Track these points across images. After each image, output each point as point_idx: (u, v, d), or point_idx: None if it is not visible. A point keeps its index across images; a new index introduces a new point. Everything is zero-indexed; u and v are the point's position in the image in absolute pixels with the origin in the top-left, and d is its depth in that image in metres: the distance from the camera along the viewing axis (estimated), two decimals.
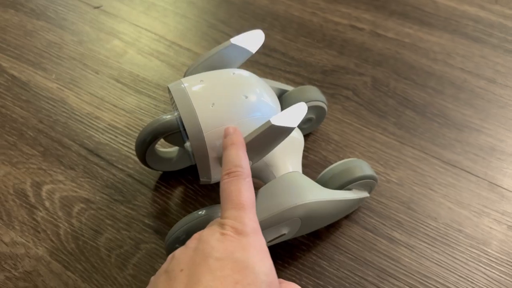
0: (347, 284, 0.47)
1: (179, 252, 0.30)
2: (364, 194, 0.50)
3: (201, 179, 0.43)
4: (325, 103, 0.55)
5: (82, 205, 0.52)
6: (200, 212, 0.42)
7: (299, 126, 0.55)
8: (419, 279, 0.47)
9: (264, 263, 0.30)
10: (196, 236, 0.31)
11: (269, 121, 0.36)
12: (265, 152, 0.41)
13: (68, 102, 0.61)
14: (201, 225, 0.40)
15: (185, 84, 0.40)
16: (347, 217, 0.52)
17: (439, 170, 0.56)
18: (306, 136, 0.58)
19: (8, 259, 0.48)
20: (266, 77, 0.65)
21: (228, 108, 0.39)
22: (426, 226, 0.51)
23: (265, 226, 0.41)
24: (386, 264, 0.49)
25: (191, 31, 0.72)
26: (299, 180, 0.45)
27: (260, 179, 0.47)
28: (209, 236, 0.30)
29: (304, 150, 0.57)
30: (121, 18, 0.73)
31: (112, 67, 0.66)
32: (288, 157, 0.46)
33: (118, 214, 0.51)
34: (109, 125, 0.59)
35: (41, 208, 0.51)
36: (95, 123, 0.59)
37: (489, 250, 0.50)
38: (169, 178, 0.54)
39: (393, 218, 0.52)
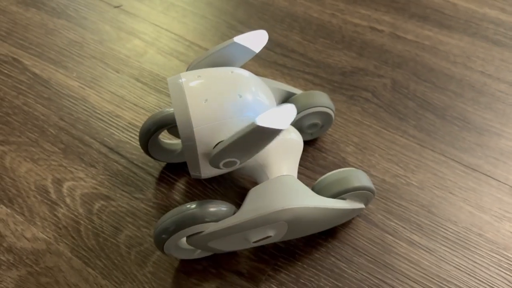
0: (366, 287, 0.47)
1: None
2: (359, 205, 0.49)
3: (191, 174, 0.43)
4: (332, 110, 0.54)
5: (102, 202, 0.52)
6: (188, 206, 0.42)
7: (304, 131, 0.55)
8: (438, 283, 0.47)
9: None
10: None
11: (254, 122, 0.36)
12: (253, 152, 0.40)
13: (89, 100, 0.62)
14: (190, 218, 0.41)
15: (182, 79, 0.40)
16: (366, 219, 0.51)
17: (460, 174, 0.56)
18: (324, 137, 0.58)
19: (30, 254, 0.49)
20: (285, 78, 0.65)
21: (220, 105, 0.39)
22: (446, 229, 0.51)
23: (251, 226, 0.41)
24: (406, 267, 0.48)
25: (210, 31, 0.72)
26: (291, 184, 0.44)
27: (254, 179, 0.47)
28: None
29: (323, 151, 0.57)
30: (141, 18, 0.74)
31: (132, 67, 0.66)
32: (284, 159, 0.46)
33: (138, 211, 0.52)
34: (129, 123, 0.59)
35: (62, 205, 0.52)
36: (115, 121, 0.60)
37: (510, 255, 0.49)
38: (188, 177, 0.54)
39: (413, 221, 0.52)
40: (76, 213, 0.51)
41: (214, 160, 0.39)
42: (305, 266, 0.48)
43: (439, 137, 0.59)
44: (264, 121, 0.36)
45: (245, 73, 0.43)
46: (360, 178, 0.47)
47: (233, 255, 0.49)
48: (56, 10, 0.75)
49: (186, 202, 0.52)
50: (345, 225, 0.51)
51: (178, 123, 0.38)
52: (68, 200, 0.52)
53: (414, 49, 0.70)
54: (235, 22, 0.73)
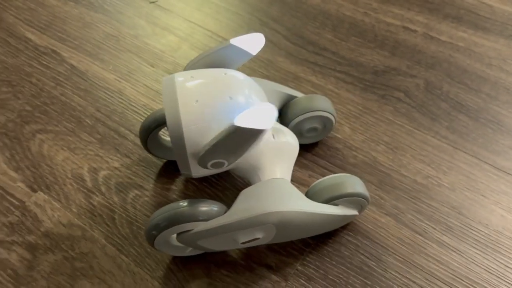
0: (395, 286, 0.47)
1: None
2: (352, 212, 0.48)
3: (182, 173, 0.43)
4: (333, 115, 0.54)
5: (136, 191, 0.54)
6: (181, 203, 0.42)
7: (304, 135, 0.55)
8: (468, 285, 0.47)
9: None
10: None
11: (233, 123, 0.36)
12: (239, 153, 0.41)
13: (125, 93, 0.63)
14: (180, 215, 0.41)
15: (176, 79, 0.41)
16: (396, 219, 0.51)
17: (492, 177, 0.55)
18: (354, 136, 0.58)
19: (65, 240, 0.50)
20: (316, 76, 0.65)
21: (210, 107, 0.39)
22: (477, 232, 0.51)
23: (239, 227, 0.42)
24: (435, 268, 0.48)
25: (243, 28, 0.73)
26: (282, 187, 0.44)
27: (247, 181, 0.47)
28: None
29: (353, 150, 0.57)
30: (175, 13, 0.75)
31: (167, 61, 0.68)
32: (277, 162, 0.46)
33: (171, 202, 0.53)
34: None
35: (97, 193, 0.54)
36: None
37: None
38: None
39: (443, 222, 0.51)
40: (111, 202, 0.53)
41: (201, 161, 0.40)
42: (334, 263, 0.49)
43: (472, 139, 0.58)
44: (243, 121, 0.36)
45: (239, 74, 0.43)
46: (355, 185, 0.46)
47: (262, 248, 0.49)
48: (93, 4, 0.77)
49: (217, 195, 0.53)
50: (375, 224, 0.51)
51: (168, 123, 0.39)
52: (103, 188, 0.54)
53: (448, 50, 0.69)
54: (268, 19, 0.74)
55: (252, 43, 0.45)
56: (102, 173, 0.55)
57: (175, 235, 0.44)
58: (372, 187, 0.54)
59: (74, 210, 0.52)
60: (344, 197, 0.46)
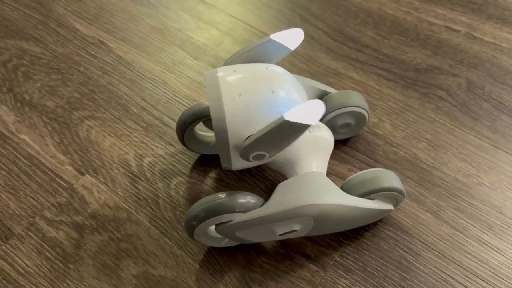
0: (433, 281, 0.47)
1: None
2: (388, 206, 0.49)
3: (223, 165, 0.44)
4: (366, 110, 0.54)
5: (180, 178, 0.55)
6: (220, 195, 0.43)
7: (337, 130, 0.55)
8: (509, 284, 0.47)
9: None
10: None
11: (282, 116, 0.36)
12: (282, 146, 0.41)
13: (169, 84, 0.65)
14: (219, 207, 0.42)
15: (219, 73, 0.42)
16: (436, 215, 0.51)
17: None
18: (395, 132, 0.59)
19: (111, 221, 0.52)
20: (357, 72, 0.66)
21: (253, 100, 0.40)
22: None
23: (277, 219, 0.42)
24: (475, 265, 0.48)
25: (284, 24, 0.74)
26: (319, 181, 0.45)
27: (283, 174, 0.47)
28: None
29: (394, 146, 0.57)
30: (219, 9, 0.77)
31: (209, 55, 0.69)
32: (313, 156, 0.46)
33: (212, 190, 0.54)
34: None
35: (142, 178, 0.55)
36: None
37: None
38: None
39: (483, 220, 0.51)
40: (155, 187, 0.55)
41: (244, 153, 0.41)
42: (372, 256, 0.49)
43: None
44: (292, 116, 0.36)
45: (279, 69, 0.44)
46: (390, 179, 0.47)
47: (301, 238, 0.50)
48: None
49: (255, 184, 0.54)
50: (415, 220, 0.51)
51: (212, 115, 0.40)
52: (148, 174, 0.56)
53: (491, 50, 0.69)
54: (309, 15, 0.75)
55: (292, 38, 0.46)
56: (147, 159, 0.57)
57: (213, 227, 0.45)
58: (413, 184, 0.54)
59: (120, 193, 0.54)
60: (381, 191, 0.46)
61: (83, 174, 0.56)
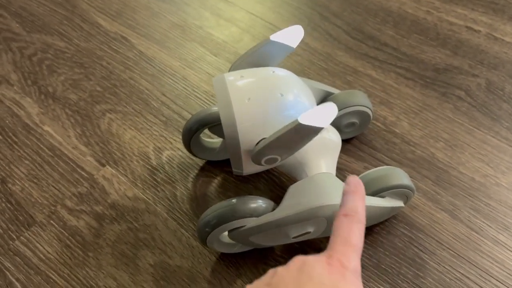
0: (447, 279, 0.47)
1: (281, 270, 0.31)
2: (398, 203, 0.49)
3: (234, 170, 0.44)
4: (370, 109, 0.54)
5: (197, 171, 0.56)
6: (232, 200, 0.43)
7: (342, 130, 0.55)
8: None
9: None
10: (299, 259, 0.32)
11: (297, 120, 0.36)
12: (294, 149, 0.41)
13: (189, 79, 0.66)
14: (231, 212, 0.42)
15: (227, 78, 0.42)
16: (452, 215, 0.51)
17: None
18: (412, 131, 0.59)
19: (130, 212, 0.53)
20: (375, 70, 0.66)
21: (263, 104, 0.40)
22: None
23: (291, 222, 0.42)
24: (490, 265, 0.48)
25: (303, 21, 0.74)
26: (330, 181, 0.45)
27: (293, 177, 0.47)
28: (315, 262, 0.31)
29: (411, 145, 0.57)
30: (239, 6, 0.78)
31: (229, 51, 0.70)
32: (322, 157, 0.46)
33: (228, 184, 0.55)
34: None
35: (161, 171, 0.57)
36: (212, 101, 0.64)
37: None
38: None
39: (500, 221, 0.51)
40: (173, 179, 0.56)
41: (256, 157, 0.41)
42: (386, 253, 0.49)
43: None
44: (307, 119, 0.36)
45: (286, 73, 0.44)
46: (400, 176, 0.47)
47: None
48: None
49: (273, 181, 0.55)
50: (430, 218, 0.51)
51: (222, 121, 0.40)
52: (166, 167, 0.57)
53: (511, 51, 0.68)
54: (329, 14, 0.75)
55: (292, 36, 0.45)
56: (166, 152, 0.58)
57: (225, 233, 0.46)
58: (429, 183, 0.54)
59: (139, 185, 0.56)
60: (391, 189, 0.46)
61: (103, 166, 0.58)
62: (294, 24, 0.73)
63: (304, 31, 0.72)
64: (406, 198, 0.49)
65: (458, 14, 0.74)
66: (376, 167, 0.55)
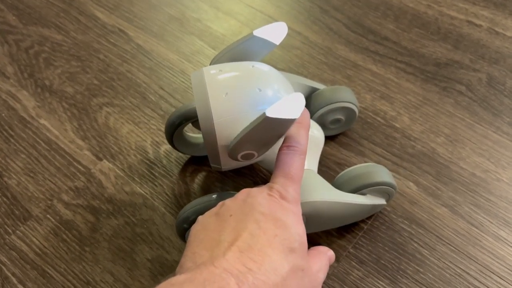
0: (447, 275, 0.47)
1: (229, 201, 0.35)
2: (380, 201, 0.48)
3: (212, 166, 0.43)
4: (356, 105, 0.53)
5: (195, 166, 0.56)
6: (213, 196, 0.43)
7: (327, 126, 0.54)
8: None
9: (299, 227, 0.34)
10: (245, 191, 0.36)
11: (264, 113, 0.35)
12: (269, 144, 0.40)
13: (187, 73, 0.66)
14: (210, 208, 0.41)
15: (205, 73, 0.41)
16: (452, 210, 0.51)
17: None
18: (413, 126, 0.58)
19: (128, 206, 0.53)
20: (376, 65, 0.65)
21: (240, 99, 0.39)
22: None
23: None
24: (490, 261, 0.48)
25: (303, 15, 0.74)
26: (310, 178, 0.44)
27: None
28: (257, 194, 0.34)
29: (411, 140, 0.57)
30: None
31: (228, 45, 0.69)
32: None
33: (226, 179, 0.54)
34: None
35: (159, 165, 0.56)
36: None
37: None
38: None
39: (500, 216, 0.51)
40: (171, 174, 0.55)
41: (232, 153, 0.40)
42: (386, 248, 0.49)
43: None
44: (274, 112, 0.35)
45: (266, 67, 0.43)
46: (381, 173, 0.46)
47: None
48: None
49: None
50: (431, 214, 0.51)
51: (199, 116, 0.39)
52: (164, 161, 0.56)
53: None
54: (329, 7, 0.74)
55: (275, 32, 0.44)
56: (164, 147, 0.58)
57: None
58: (430, 178, 0.54)
59: (137, 179, 0.55)
60: (372, 186, 0.46)
61: (100, 160, 0.57)
62: (293, 17, 0.73)
63: (304, 25, 0.72)
64: (388, 195, 0.49)
65: (459, 8, 0.73)
66: (376, 162, 0.55)
